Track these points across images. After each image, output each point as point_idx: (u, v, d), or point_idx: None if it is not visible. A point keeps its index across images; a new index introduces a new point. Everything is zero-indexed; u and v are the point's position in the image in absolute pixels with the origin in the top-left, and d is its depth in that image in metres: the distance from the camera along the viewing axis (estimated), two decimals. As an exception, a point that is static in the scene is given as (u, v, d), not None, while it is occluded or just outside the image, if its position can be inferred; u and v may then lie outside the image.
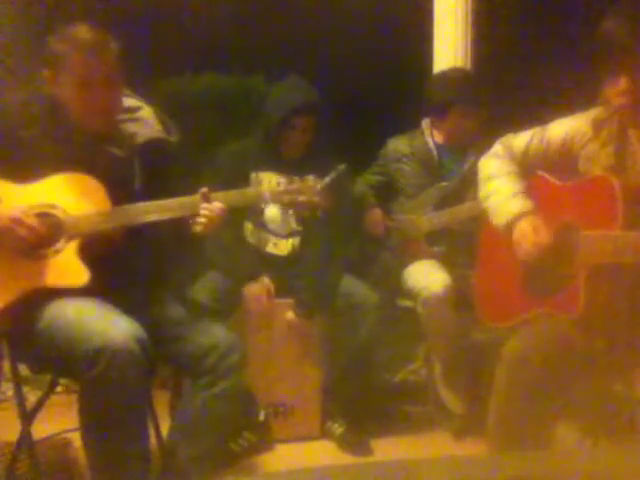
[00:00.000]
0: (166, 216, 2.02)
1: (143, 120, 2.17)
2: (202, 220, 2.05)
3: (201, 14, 3.80)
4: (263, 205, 2.69)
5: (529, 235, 1.95)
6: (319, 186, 2.16)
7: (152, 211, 2.01)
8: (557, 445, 1.94)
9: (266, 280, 2.76)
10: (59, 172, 2.00)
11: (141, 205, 2.01)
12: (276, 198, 2.14)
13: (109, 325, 1.83)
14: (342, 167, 2.30)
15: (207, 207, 2.05)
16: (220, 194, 2.10)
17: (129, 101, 2.18)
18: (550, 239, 1.94)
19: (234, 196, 2.14)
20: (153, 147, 2.14)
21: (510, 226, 1.99)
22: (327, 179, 2.19)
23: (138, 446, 1.91)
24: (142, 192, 2.09)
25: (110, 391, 1.80)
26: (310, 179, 2.15)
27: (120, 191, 2.02)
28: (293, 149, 2.84)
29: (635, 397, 1.93)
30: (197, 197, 2.06)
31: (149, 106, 2.21)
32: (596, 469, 1.22)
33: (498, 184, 2.07)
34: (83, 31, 2.00)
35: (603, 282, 1.84)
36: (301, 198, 2.13)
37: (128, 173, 2.10)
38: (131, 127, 2.14)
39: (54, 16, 3.36)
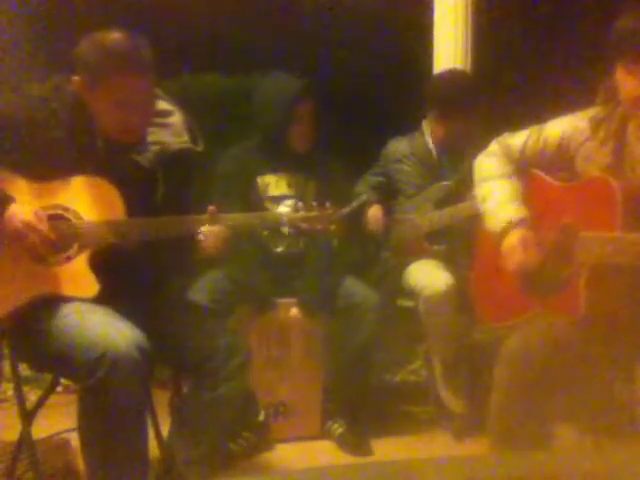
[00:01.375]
0: (173, 234, 1.98)
1: (172, 127, 2.07)
2: (204, 245, 2.02)
3: (201, 14, 3.80)
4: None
5: (517, 252, 1.93)
6: (337, 215, 2.15)
7: (162, 227, 1.96)
8: (557, 445, 1.94)
9: None
10: (77, 175, 1.94)
11: (154, 220, 1.97)
12: (293, 223, 2.13)
13: (111, 332, 1.81)
14: (364, 198, 2.27)
15: (208, 233, 2.01)
16: (239, 216, 2.08)
17: (161, 104, 2.08)
18: (537, 257, 1.92)
19: (253, 219, 2.14)
20: (180, 159, 2.06)
21: (502, 235, 1.97)
22: (346, 209, 2.17)
23: (137, 451, 1.89)
24: (163, 203, 2.03)
25: (110, 398, 1.78)
26: (329, 207, 2.13)
27: (140, 201, 1.97)
28: (302, 141, 2.83)
29: (635, 397, 1.92)
30: (205, 217, 2.02)
31: (180, 111, 2.11)
32: (596, 469, 1.22)
33: (493, 187, 2.05)
34: (123, 45, 1.87)
35: (604, 283, 1.83)
36: (318, 226, 2.12)
37: (151, 183, 2.02)
38: (159, 134, 2.05)
39: (54, 16, 3.36)
